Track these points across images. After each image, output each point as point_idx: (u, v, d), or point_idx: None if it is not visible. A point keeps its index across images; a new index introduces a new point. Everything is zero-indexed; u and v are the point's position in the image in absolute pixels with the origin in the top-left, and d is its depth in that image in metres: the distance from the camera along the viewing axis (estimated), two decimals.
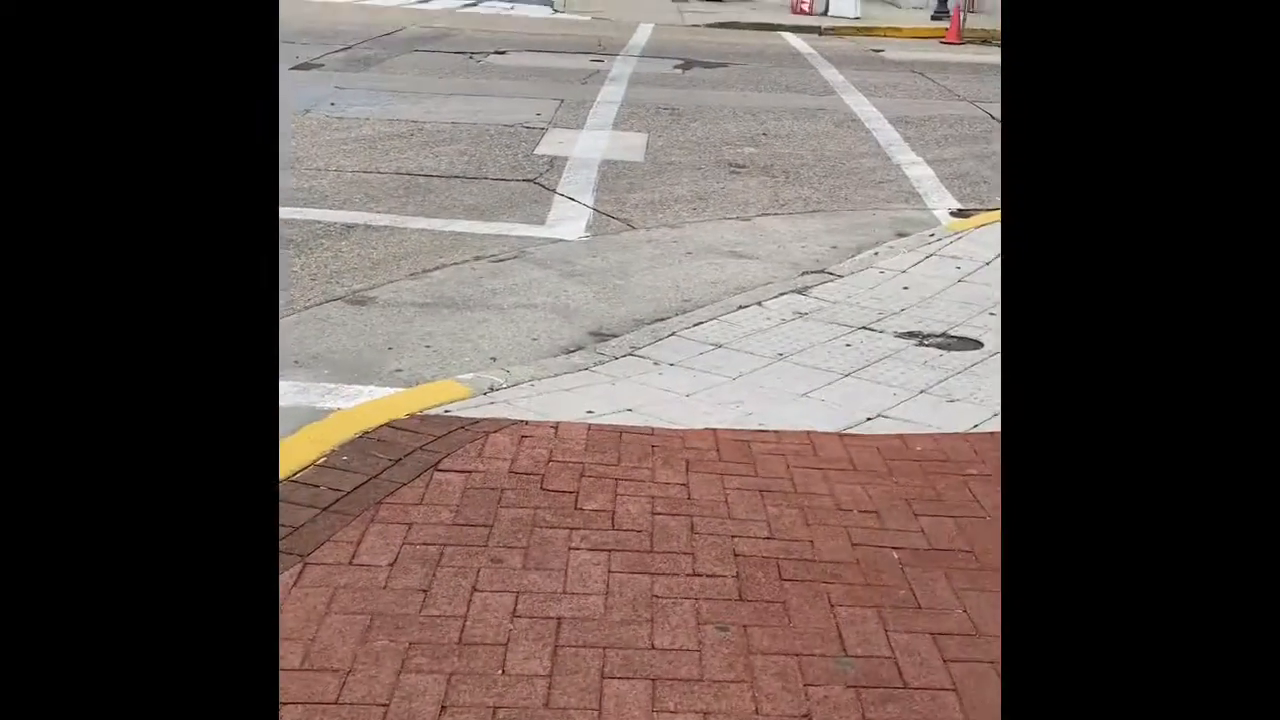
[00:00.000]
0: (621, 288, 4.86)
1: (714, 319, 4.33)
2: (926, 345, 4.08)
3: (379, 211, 5.80)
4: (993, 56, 13.59)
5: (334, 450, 2.86)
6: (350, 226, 5.50)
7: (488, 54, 12.54)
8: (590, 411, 3.29)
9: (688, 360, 3.86)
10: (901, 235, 5.78)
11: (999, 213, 5.53)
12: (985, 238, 5.45)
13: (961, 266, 5.04)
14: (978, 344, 4.11)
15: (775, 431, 3.19)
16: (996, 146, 8.01)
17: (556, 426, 3.11)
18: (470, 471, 2.78)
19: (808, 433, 3.20)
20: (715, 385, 3.63)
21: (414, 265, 5.00)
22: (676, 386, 3.60)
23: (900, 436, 3.21)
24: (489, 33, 14.96)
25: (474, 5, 19.56)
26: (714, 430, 3.17)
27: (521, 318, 4.42)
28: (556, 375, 3.67)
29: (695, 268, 5.17)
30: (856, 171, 7.38)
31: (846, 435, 3.22)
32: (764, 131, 8.64)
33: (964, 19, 16.45)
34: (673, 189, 6.69)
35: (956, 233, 5.62)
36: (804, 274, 5.04)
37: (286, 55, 11.21)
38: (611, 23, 17.08)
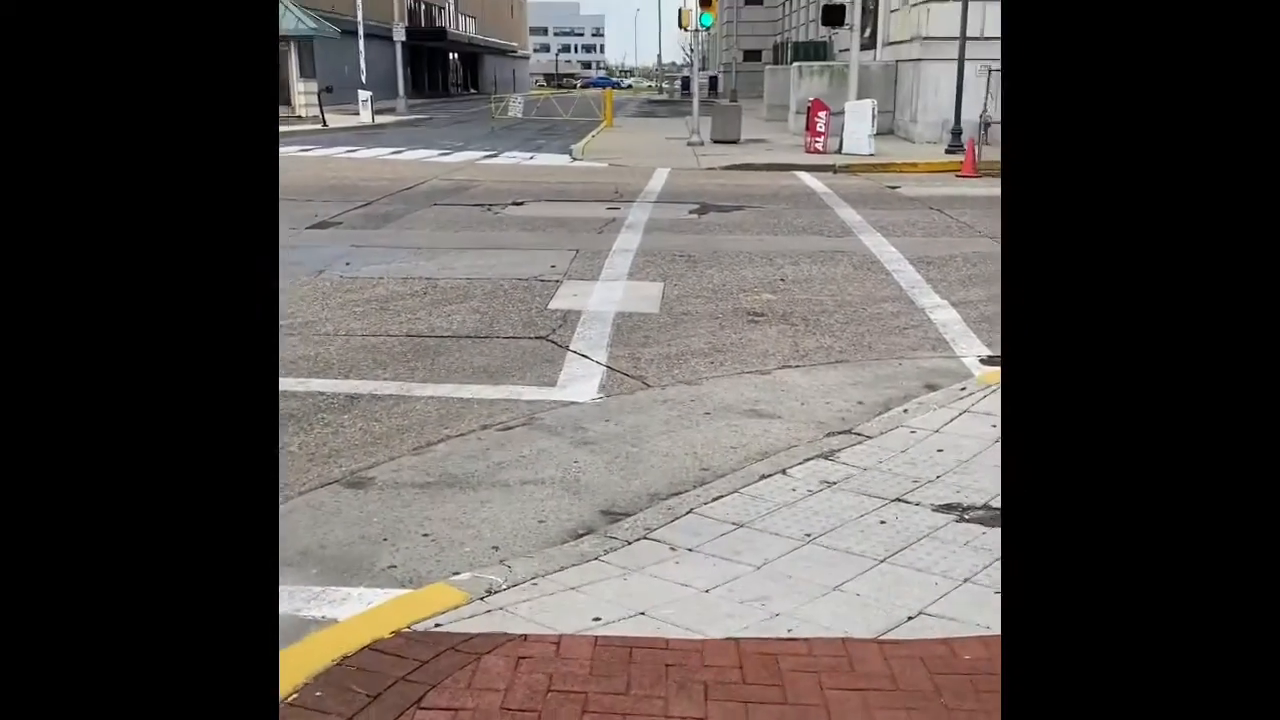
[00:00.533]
0: (635, 455, 4.58)
1: (735, 491, 4.02)
2: (967, 520, 3.74)
3: (385, 379, 5.62)
4: None
5: (307, 683, 2.54)
6: (354, 397, 5.29)
7: (505, 205, 12.69)
8: (597, 619, 2.95)
9: (706, 544, 3.54)
10: (930, 387, 5.50)
11: None
12: None
13: (998, 425, 4.73)
14: None
15: (806, 640, 2.83)
16: None
17: (558, 642, 2.77)
18: (457, 710, 2.43)
19: (843, 640, 2.84)
20: (737, 577, 3.29)
21: (418, 438, 4.76)
22: (694, 580, 3.27)
23: (946, 642, 2.84)
24: (508, 183, 15.26)
25: (494, 156, 20.13)
26: (736, 641, 2.82)
27: (528, 496, 4.13)
28: (562, 569, 3.35)
29: (714, 431, 4.89)
30: (879, 317, 7.16)
31: (886, 641, 2.86)
32: (781, 277, 8.51)
33: (979, 151, 16.60)
34: (689, 341, 6.49)
35: (989, 385, 5.33)
36: (830, 435, 4.74)
37: (306, 214, 11.39)
38: (628, 169, 17.42)
